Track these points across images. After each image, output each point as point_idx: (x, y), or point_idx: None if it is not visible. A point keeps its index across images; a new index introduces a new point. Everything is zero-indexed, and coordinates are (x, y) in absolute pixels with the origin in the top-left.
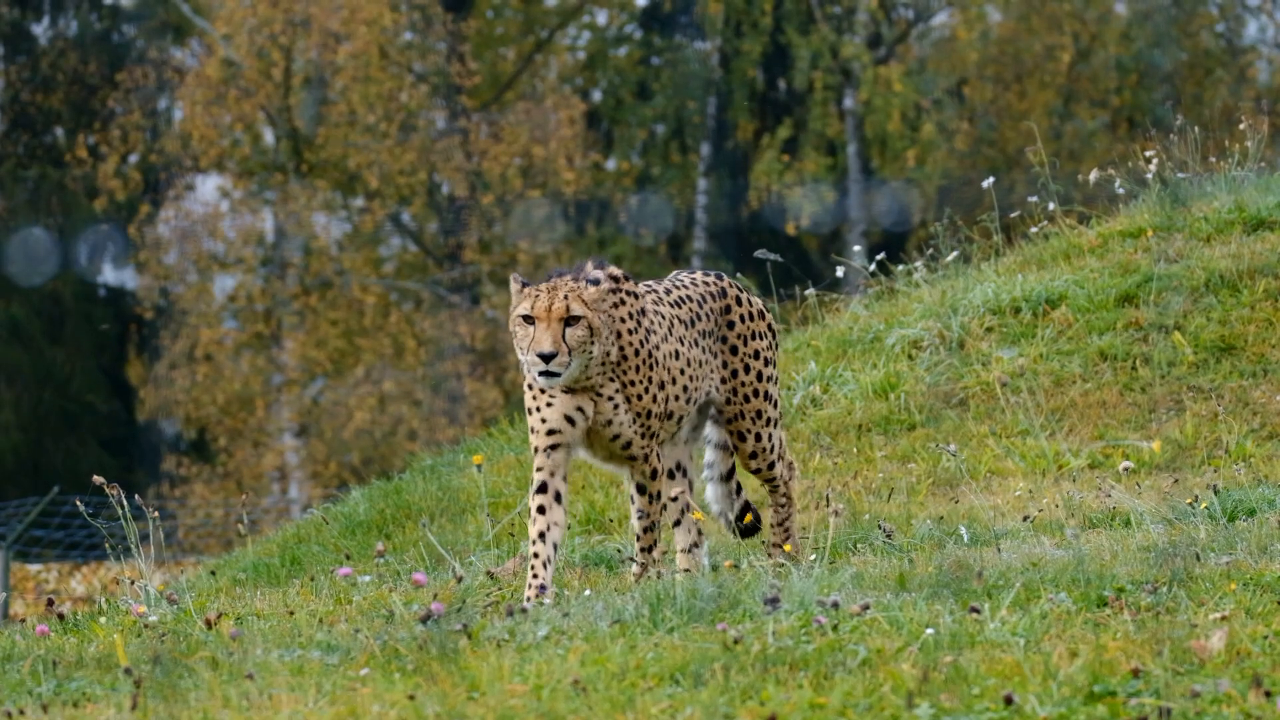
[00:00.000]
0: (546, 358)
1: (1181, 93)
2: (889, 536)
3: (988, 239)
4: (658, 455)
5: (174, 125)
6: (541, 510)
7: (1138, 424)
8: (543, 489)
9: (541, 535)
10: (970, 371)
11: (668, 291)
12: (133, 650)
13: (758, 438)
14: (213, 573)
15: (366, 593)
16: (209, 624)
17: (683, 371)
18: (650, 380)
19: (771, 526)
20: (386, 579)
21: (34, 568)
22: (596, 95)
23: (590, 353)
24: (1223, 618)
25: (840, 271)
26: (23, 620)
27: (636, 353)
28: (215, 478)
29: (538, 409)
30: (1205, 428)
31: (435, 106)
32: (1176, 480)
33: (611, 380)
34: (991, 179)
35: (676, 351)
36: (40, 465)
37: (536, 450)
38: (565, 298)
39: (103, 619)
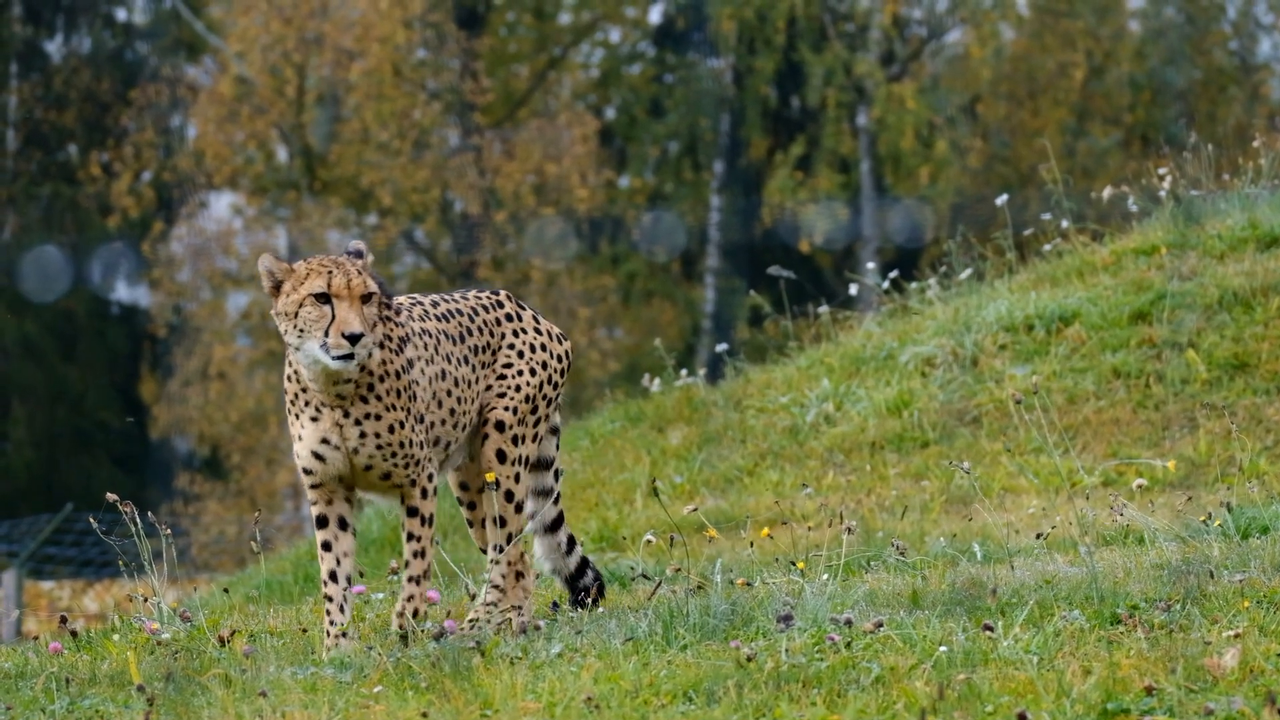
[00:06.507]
0: (355, 338)
1: (1195, 110)
2: (902, 554)
3: (1001, 256)
4: (428, 475)
5: (187, 143)
6: (327, 546)
7: (1151, 441)
8: (322, 522)
9: (332, 574)
10: (983, 389)
11: (435, 305)
12: (146, 668)
13: (514, 440)
14: (226, 590)
15: (380, 610)
16: (222, 641)
17: (449, 393)
18: (409, 409)
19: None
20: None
21: (47, 585)
22: (610, 113)
23: (376, 332)
24: (1236, 635)
25: (853, 289)
26: (36, 638)
27: (396, 375)
28: (228, 495)
29: (298, 438)
30: (1219, 445)
31: (448, 124)
32: (1190, 498)
33: (363, 401)
34: (1005, 196)
35: (443, 371)
36: (53, 483)
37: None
38: (360, 273)
39: (116, 636)
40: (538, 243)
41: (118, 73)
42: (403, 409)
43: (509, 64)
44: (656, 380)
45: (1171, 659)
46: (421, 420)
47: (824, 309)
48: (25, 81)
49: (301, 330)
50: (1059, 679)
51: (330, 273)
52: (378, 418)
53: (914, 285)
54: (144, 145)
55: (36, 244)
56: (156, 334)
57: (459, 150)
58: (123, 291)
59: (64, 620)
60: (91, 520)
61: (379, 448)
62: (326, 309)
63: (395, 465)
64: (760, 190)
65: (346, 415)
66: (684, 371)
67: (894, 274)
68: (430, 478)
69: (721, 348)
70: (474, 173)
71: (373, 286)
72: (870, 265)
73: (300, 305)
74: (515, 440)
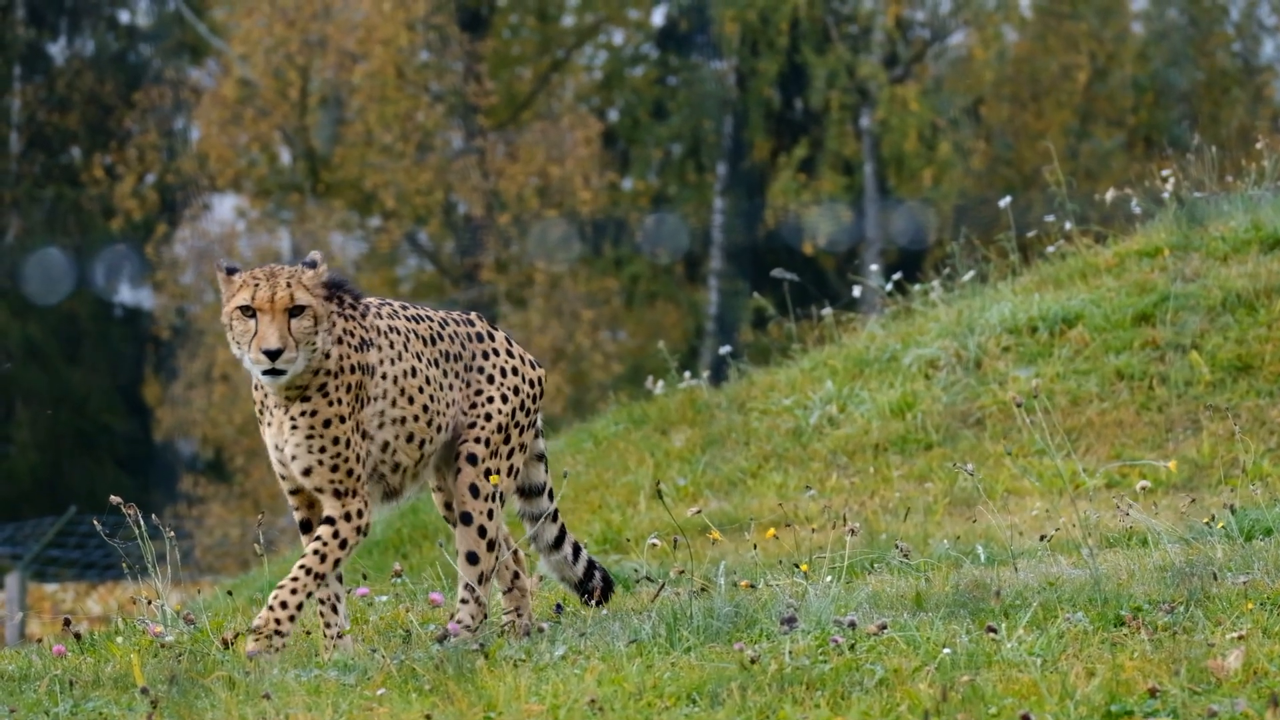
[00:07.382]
0: (273, 354)
1: (1198, 112)
2: (906, 556)
3: (1004, 258)
4: (356, 508)
5: (190, 145)
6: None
7: (1154, 443)
8: (306, 527)
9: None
10: (987, 391)
11: (404, 307)
12: (149, 670)
13: (488, 474)
14: (229, 592)
15: (383, 612)
16: (226, 644)
17: (421, 390)
18: (352, 409)
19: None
20: (403, 599)
21: (51, 588)
22: (613, 115)
23: (314, 344)
24: (1239, 637)
25: (857, 291)
26: (39, 640)
27: (350, 371)
28: (232, 497)
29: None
30: (1222, 447)
31: (452, 126)
32: (1193, 500)
33: (304, 400)
34: (1008, 198)
35: (414, 368)
36: (57, 485)
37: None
38: (288, 285)
39: (119, 639)
40: (541, 245)
41: (121, 75)
42: (348, 406)
43: (512, 66)
44: (660, 382)
45: (1175, 661)
46: (366, 436)
47: (827, 311)
48: (28, 84)
49: (237, 341)
50: (1062, 681)
51: (256, 285)
52: (314, 414)
53: (917, 287)
54: (147, 148)
55: (40, 246)
56: (160, 336)
57: (462, 152)
58: (126, 294)
59: (68, 623)
60: (95, 523)
61: (309, 437)
62: (252, 323)
63: (319, 461)
64: (763, 192)
65: (286, 412)
66: (687, 374)
67: (897, 276)
68: (360, 513)
69: (725, 350)
70: (477, 175)
71: (303, 299)
72: (873, 267)
73: (232, 317)
74: (489, 474)
